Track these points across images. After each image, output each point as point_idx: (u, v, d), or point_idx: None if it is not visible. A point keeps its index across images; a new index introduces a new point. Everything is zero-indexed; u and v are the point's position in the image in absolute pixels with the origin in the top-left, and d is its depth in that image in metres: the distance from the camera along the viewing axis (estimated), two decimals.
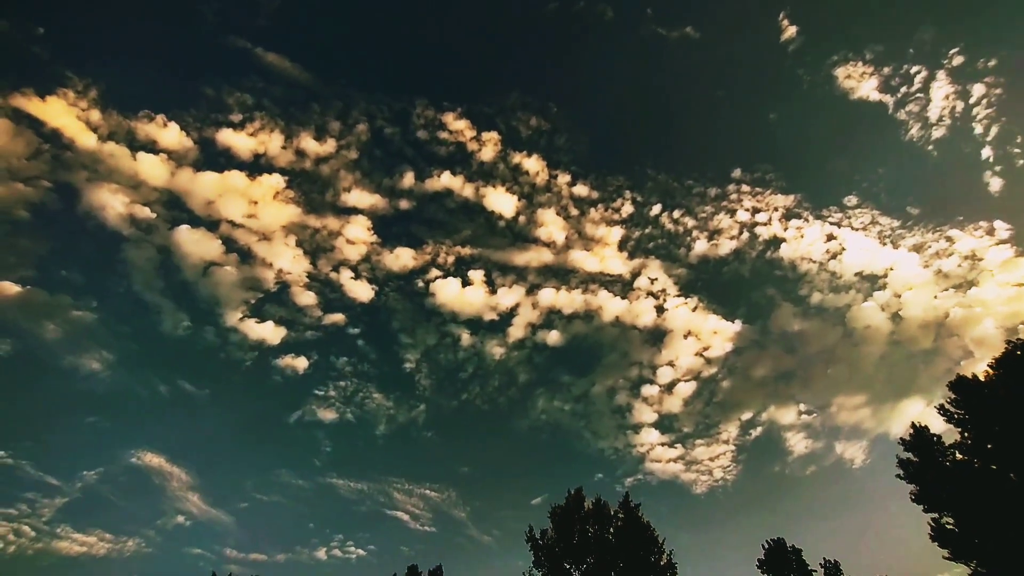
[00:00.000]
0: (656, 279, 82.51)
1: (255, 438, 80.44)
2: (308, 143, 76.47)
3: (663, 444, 76.60)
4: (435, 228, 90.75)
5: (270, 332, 73.57)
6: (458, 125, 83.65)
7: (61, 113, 60.56)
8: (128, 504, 62.74)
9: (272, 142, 74.12)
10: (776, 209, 77.60)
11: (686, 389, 78.57)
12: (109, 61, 73.77)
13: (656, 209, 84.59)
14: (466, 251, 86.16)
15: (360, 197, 79.96)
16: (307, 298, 75.32)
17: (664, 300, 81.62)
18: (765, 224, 77.78)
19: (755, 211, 78.47)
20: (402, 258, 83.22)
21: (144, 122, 67.11)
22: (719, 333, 78.94)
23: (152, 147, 67.07)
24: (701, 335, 79.63)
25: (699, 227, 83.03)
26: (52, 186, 62.19)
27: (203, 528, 65.72)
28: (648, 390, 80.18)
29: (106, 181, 64.46)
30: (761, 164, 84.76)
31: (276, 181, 73.29)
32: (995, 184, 66.33)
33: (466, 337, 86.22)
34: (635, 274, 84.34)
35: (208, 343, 73.07)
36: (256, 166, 74.45)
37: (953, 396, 24.36)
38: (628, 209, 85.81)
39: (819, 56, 79.74)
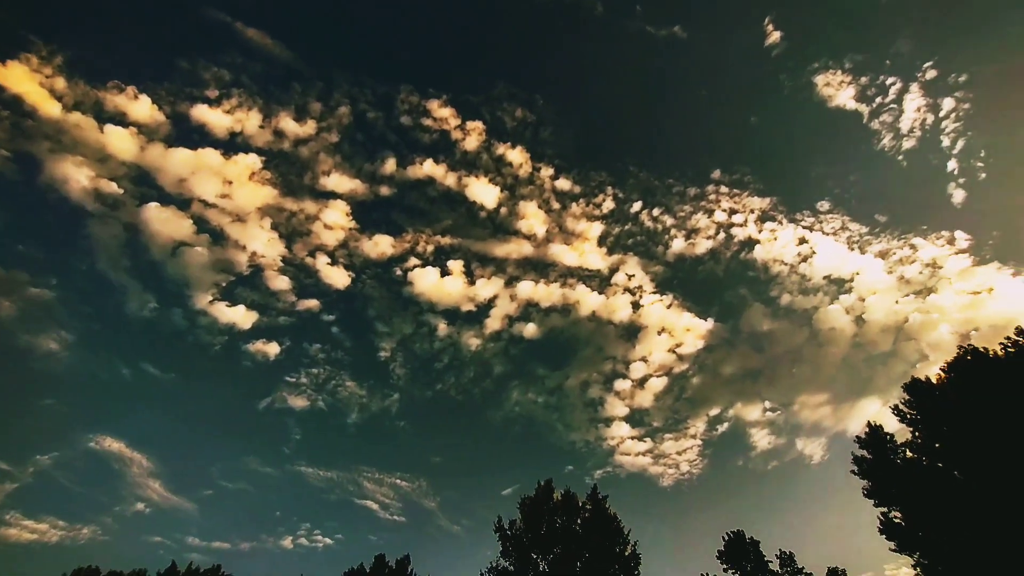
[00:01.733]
0: (633, 275, 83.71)
1: (222, 424, 79.00)
2: (287, 123, 74.69)
3: (633, 438, 78.23)
4: (415, 216, 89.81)
5: (241, 316, 72.10)
6: (443, 113, 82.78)
7: (23, 79, 57.83)
8: (84, 490, 61.02)
9: (249, 121, 72.12)
10: (752, 211, 79.49)
11: (658, 384, 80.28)
12: (77, 27, 70.51)
13: (637, 206, 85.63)
14: (446, 241, 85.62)
15: (339, 181, 78.56)
16: (281, 283, 73.96)
17: (640, 296, 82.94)
18: (741, 225, 79.69)
19: (732, 212, 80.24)
20: (381, 245, 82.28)
21: (113, 93, 64.50)
22: (692, 330, 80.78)
23: (121, 119, 64.57)
24: (674, 332, 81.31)
25: (677, 226, 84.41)
26: (11, 155, 59.55)
27: (164, 516, 64.45)
28: (621, 384, 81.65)
29: (70, 153, 61.92)
30: (740, 166, 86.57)
31: (252, 161, 71.49)
32: (958, 196, 69.39)
33: (443, 327, 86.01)
34: (613, 270, 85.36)
35: (175, 326, 71.22)
36: (232, 145, 72.44)
37: (907, 397, 25.48)
38: (609, 205, 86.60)
39: (801, 62, 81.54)
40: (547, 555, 28.19)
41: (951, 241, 67.76)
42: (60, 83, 61.22)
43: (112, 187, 64.26)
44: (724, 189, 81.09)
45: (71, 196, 63.30)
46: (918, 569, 22.92)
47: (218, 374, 76.97)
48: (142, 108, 65.62)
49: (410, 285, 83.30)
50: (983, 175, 68.99)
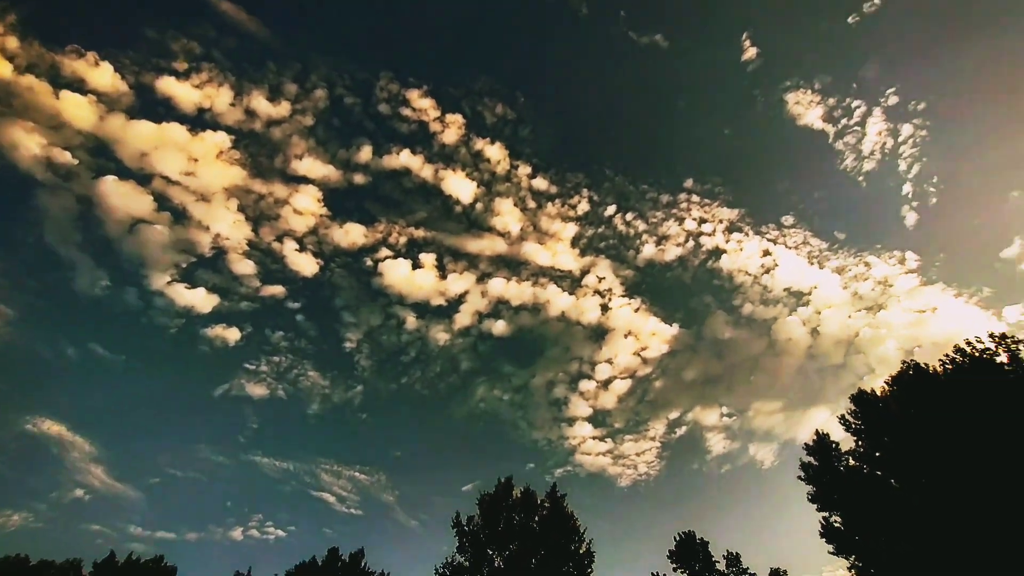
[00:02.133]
0: (604, 278, 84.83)
1: (174, 410, 76.07)
2: (260, 103, 72.27)
3: (595, 438, 79.45)
4: (389, 207, 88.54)
5: (201, 299, 69.51)
6: (422, 104, 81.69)
7: None
8: (17, 475, 57.78)
9: (220, 97, 69.42)
10: (721, 221, 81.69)
11: (621, 386, 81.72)
12: None
13: (611, 210, 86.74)
14: (419, 233, 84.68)
15: (312, 166, 76.58)
16: (245, 267, 71.65)
17: (609, 299, 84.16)
18: (710, 235, 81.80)
19: (702, 221, 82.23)
20: (352, 234, 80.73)
21: (72, 58, 60.94)
22: (657, 335, 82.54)
23: (79, 86, 61.09)
24: (640, 336, 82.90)
25: (649, 231, 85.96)
26: None
27: (105, 503, 61.67)
28: (585, 385, 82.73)
29: (20, 118, 58.24)
30: (712, 176, 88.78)
31: (221, 139, 68.89)
32: (911, 218, 73.18)
33: (412, 320, 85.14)
34: (584, 271, 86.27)
35: (129, 306, 68.10)
36: (199, 121, 69.54)
37: (853, 408, 26.73)
38: (584, 207, 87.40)
39: (774, 80, 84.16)
40: (503, 551, 28.32)
41: (902, 261, 71.57)
42: (12, 42, 57.46)
43: (66, 157, 60.75)
44: (695, 198, 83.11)
45: (20, 164, 59.55)
46: (853, 572, 24.11)
47: (173, 358, 74.00)
48: (103, 76, 62.24)
49: (380, 276, 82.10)
50: (934, 200, 73.09)
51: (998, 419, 21.33)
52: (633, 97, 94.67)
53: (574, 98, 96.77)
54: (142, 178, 65.59)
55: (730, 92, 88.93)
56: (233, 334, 71.24)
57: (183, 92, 66.40)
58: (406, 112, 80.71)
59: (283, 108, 73.70)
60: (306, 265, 75.56)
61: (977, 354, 23.50)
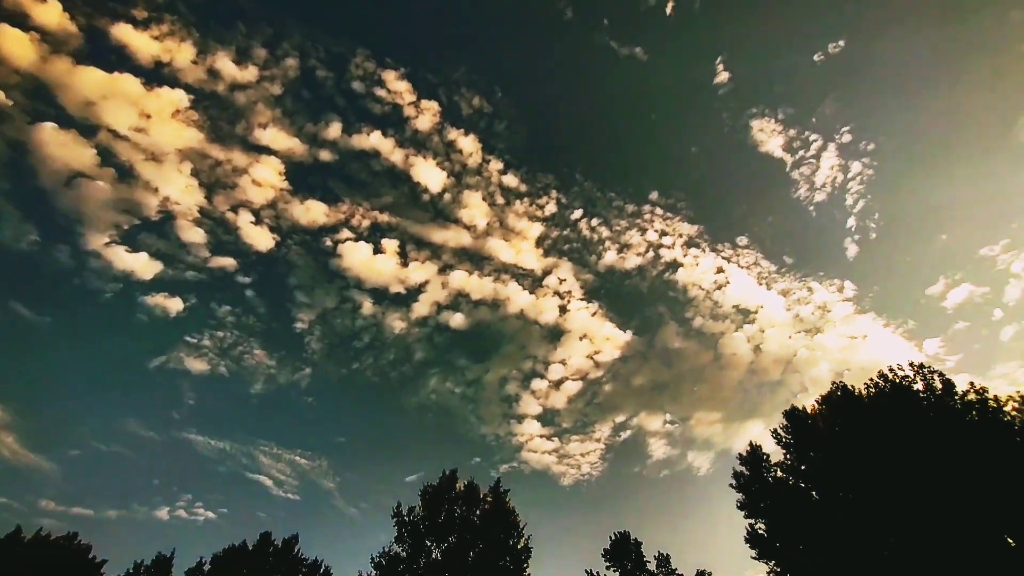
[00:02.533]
0: (565, 280, 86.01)
1: (103, 380, 71.45)
2: (225, 64, 68.69)
3: (542, 436, 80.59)
4: (355, 187, 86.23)
5: (142, 264, 65.54)
6: (398, 86, 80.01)
7: None
8: None
9: (181, 53, 65.44)
10: (681, 235, 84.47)
11: (573, 387, 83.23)
12: None
13: (577, 213, 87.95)
14: (384, 218, 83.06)
15: (276, 137, 73.54)
16: (195, 235, 68.06)
17: (568, 301, 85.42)
18: (669, 248, 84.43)
19: (663, 234, 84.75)
20: (313, 212, 78.19)
21: None
22: (611, 340, 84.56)
23: (21, 21, 56.05)
24: (595, 339, 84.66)
25: (612, 239, 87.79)
26: None
27: (15, 475, 57.29)
28: (538, 384, 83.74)
29: None
30: (676, 191, 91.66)
31: (179, 97, 64.98)
32: (852, 250, 78.16)
33: (368, 306, 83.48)
34: (547, 272, 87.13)
35: (59, 264, 63.34)
36: (156, 75, 65.51)
37: (785, 423, 28.35)
38: (552, 208, 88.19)
39: (742, 105, 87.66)
40: (442, 543, 28.32)
41: (841, 289, 76.35)
42: None
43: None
44: (659, 211, 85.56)
45: None
46: (771, 575, 25.66)
47: (105, 325, 69.44)
48: (50, 13, 57.35)
49: (339, 258, 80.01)
50: (874, 235, 78.40)
51: (911, 442, 23.20)
52: (608, 105, 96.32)
53: (551, 99, 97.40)
54: (86, 129, 61.06)
55: (700, 112, 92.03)
56: (175, 304, 67.57)
57: (140, 42, 62.17)
58: (380, 93, 78.86)
59: (250, 73, 70.37)
60: (261, 239, 72.61)
61: (897, 380, 25.45)
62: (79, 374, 69.94)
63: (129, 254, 64.70)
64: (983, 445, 22.09)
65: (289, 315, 79.62)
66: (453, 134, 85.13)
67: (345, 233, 79.50)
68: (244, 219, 71.52)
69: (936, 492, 21.93)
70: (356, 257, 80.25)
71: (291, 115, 75.37)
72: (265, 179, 71.81)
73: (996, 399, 23.32)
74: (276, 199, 73.99)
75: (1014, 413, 22.80)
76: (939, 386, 24.48)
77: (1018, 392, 23.34)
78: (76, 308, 66.81)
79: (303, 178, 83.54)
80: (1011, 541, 20.96)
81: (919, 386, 24.87)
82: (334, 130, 77.37)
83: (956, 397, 23.92)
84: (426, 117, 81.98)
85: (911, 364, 25.62)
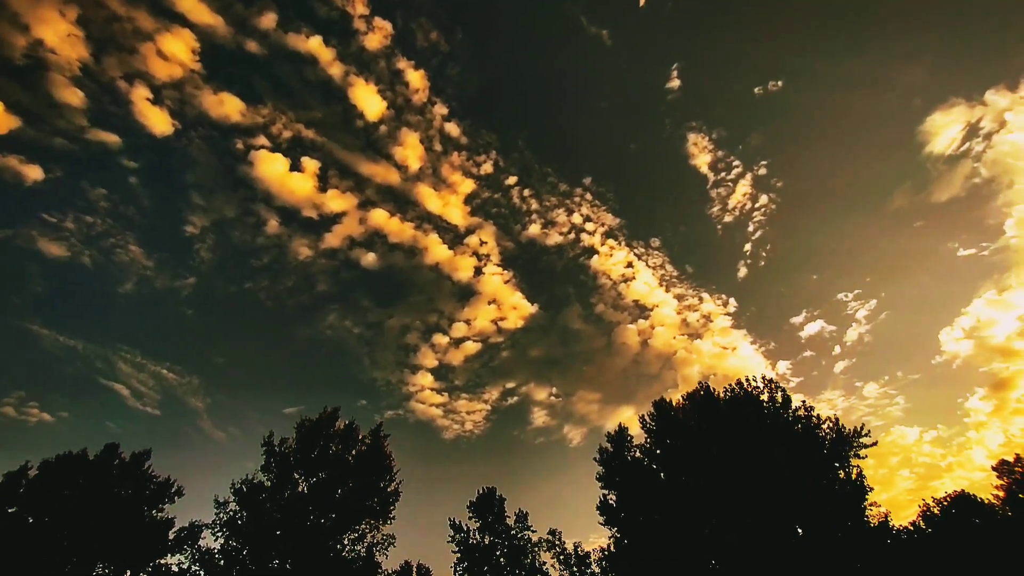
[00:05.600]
0: (486, 243, 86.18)
1: None
2: None
3: (433, 389, 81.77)
4: (281, 92, 78.24)
5: None
6: None
7: None
8: None
9: None
10: (603, 224, 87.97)
11: (472, 348, 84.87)
12: None
13: (512, 180, 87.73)
14: (308, 134, 76.57)
15: (196, 8, 63.80)
16: (72, 96, 57.75)
17: (485, 264, 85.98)
18: (591, 234, 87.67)
19: (587, 219, 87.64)
20: (227, 106, 69.91)
21: None
22: (518, 310, 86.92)
23: None
24: (503, 306, 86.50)
25: (540, 213, 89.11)
26: None
27: None
28: (439, 338, 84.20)
29: None
30: (607, 182, 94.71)
31: None
32: (742, 272, 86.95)
33: (274, 224, 77.48)
34: (470, 231, 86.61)
35: None
36: None
37: (653, 412, 31.50)
38: (488, 169, 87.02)
39: (684, 116, 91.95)
40: (312, 477, 28.02)
41: (725, 304, 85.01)
42: None
43: None
44: (589, 196, 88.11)
45: None
46: (611, 539, 28.96)
47: None
48: None
49: (249, 165, 72.86)
50: (763, 263, 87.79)
51: (751, 442, 27.06)
52: (565, 80, 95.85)
53: (511, 60, 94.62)
54: None
55: (647, 111, 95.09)
56: (35, 172, 57.49)
57: None
58: None
59: None
60: (158, 122, 63.55)
61: (750, 389, 29.29)
62: None
63: None
64: (800, 453, 26.45)
65: (179, 215, 71.58)
66: (402, 63, 79.95)
67: (261, 140, 72.32)
68: (139, 94, 61.97)
69: (758, 486, 25.94)
70: (270, 169, 73.59)
71: None
72: (174, 54, 62.41)
73: (818, 418, 27.89)
74: (184, 80, 64.85)
75: (826, 430, 27.51)
76: (780, 400, 28.61)
77: (833, 415, 28.23)
78: None
79: (221, 66, 73.74)
80: (800, 530, 25.62)
81: (765, 397, 28.85)
82: (268, 20, 68.92)
83: (790, 411, 28.18)
84: (376, 36, 75.90)
85: (763, 378, 29.57)
